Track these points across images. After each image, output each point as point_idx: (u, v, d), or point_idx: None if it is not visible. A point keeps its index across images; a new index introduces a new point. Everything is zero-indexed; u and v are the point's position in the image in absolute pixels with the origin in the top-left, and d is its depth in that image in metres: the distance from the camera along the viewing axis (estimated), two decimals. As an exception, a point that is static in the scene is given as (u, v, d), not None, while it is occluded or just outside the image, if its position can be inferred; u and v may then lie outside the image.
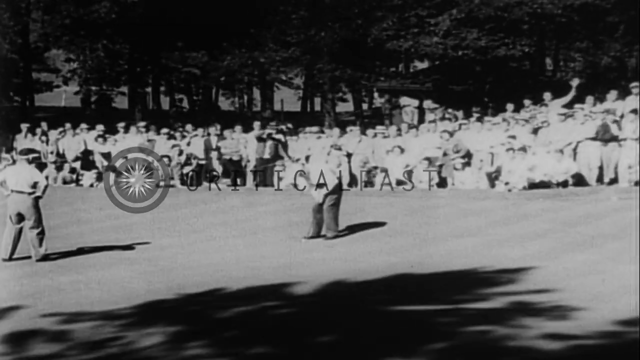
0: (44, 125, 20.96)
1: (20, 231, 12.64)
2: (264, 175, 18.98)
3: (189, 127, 20.78)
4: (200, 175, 19.21)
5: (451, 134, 18.73)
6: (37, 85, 26.42)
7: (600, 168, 17.60)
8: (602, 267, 11.65)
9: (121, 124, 20.71)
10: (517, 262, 12.05)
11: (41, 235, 12.64)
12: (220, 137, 19.92)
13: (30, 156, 12.85)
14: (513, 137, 18.02)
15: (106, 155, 19.75)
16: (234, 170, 19.34)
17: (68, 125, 20.73)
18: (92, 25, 23.59)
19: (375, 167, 18.70)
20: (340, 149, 18.96)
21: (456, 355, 8.29)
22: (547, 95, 19.77)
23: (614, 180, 17.38)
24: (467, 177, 17.97)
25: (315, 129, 19.89)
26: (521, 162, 17.26)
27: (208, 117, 24.18)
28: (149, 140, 20.00)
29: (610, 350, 8.27)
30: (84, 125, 20.82)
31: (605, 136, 17.52)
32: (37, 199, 12.53)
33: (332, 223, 13.90)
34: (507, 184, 17.22)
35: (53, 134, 20.71)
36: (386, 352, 8.38)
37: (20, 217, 12.58)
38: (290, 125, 20.72)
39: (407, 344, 8.61)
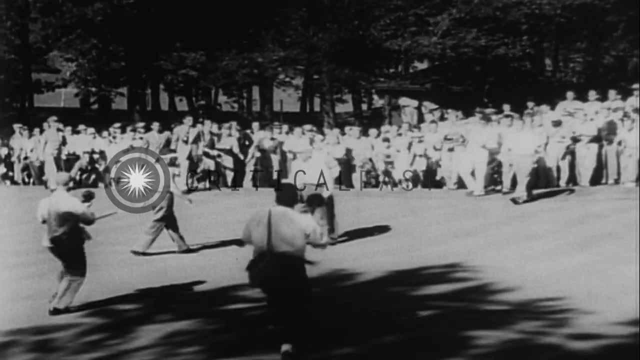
0: (51, 120, 20.82)
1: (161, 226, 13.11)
2: (263, 175, 18.96)
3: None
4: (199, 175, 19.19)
5: (462, 136, 18.67)
6: (37, 85, 26.40)
7: (599, 168, 17.58)
8: (602, 267, 11.63)
9: (119, 124, 20.69)
10: (516, 263, 12.04)
11: (158, 223, 13.07)
12: (220, 137, 19.89)
13: (169, 156, 13.66)
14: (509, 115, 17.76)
15: (103, 155, 19.72)
16: (234, 170, 19.32)
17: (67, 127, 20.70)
18: (88, 26, 23.57)
19: (383, 159, 18.63)
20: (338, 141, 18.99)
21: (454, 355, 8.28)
22: (569, 95, 19.55)
23: (615, 180, 17.39)
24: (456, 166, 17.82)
25: (308, 127, 19.88)
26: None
27: (209, 117, 24.15)
28: (140, 138, 19.98)
29: (609, 351, 8.25)
30: (82, 126, 20.80)
31: (609, 136, 17.46)
32: (171, 195, 13.11)
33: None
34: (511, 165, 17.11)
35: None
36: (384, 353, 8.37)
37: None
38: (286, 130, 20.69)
39: (404, 343, 8.60)
